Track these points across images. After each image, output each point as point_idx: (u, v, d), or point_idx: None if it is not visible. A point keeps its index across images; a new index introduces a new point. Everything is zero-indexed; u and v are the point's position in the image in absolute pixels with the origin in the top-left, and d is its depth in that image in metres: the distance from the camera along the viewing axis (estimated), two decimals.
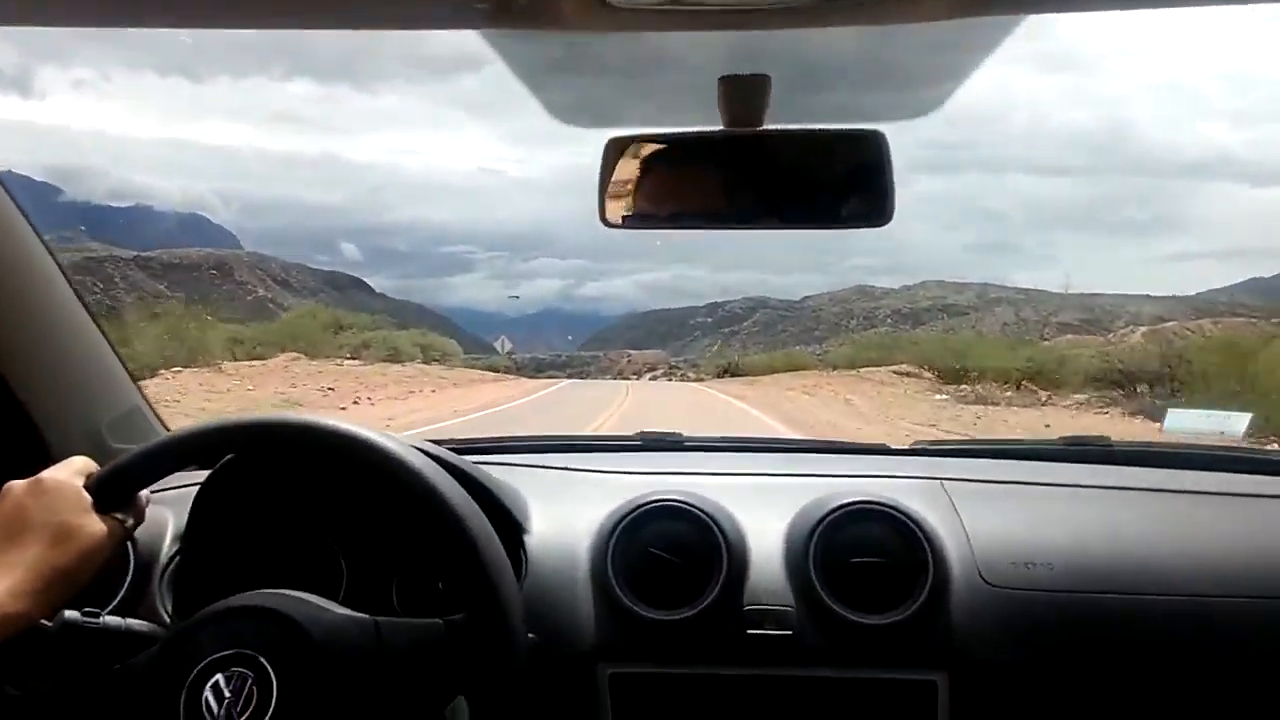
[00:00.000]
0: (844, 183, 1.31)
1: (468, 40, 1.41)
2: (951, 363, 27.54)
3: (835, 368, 35.36)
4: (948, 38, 1.25)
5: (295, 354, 27.33)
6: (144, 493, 1.17)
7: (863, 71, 1.37)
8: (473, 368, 37.47)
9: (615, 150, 1.30)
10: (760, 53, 1.28)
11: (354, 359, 30.15)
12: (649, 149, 1.32)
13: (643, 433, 1.87)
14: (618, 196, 1.33)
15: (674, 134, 1.32)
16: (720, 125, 1.29)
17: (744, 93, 1.28)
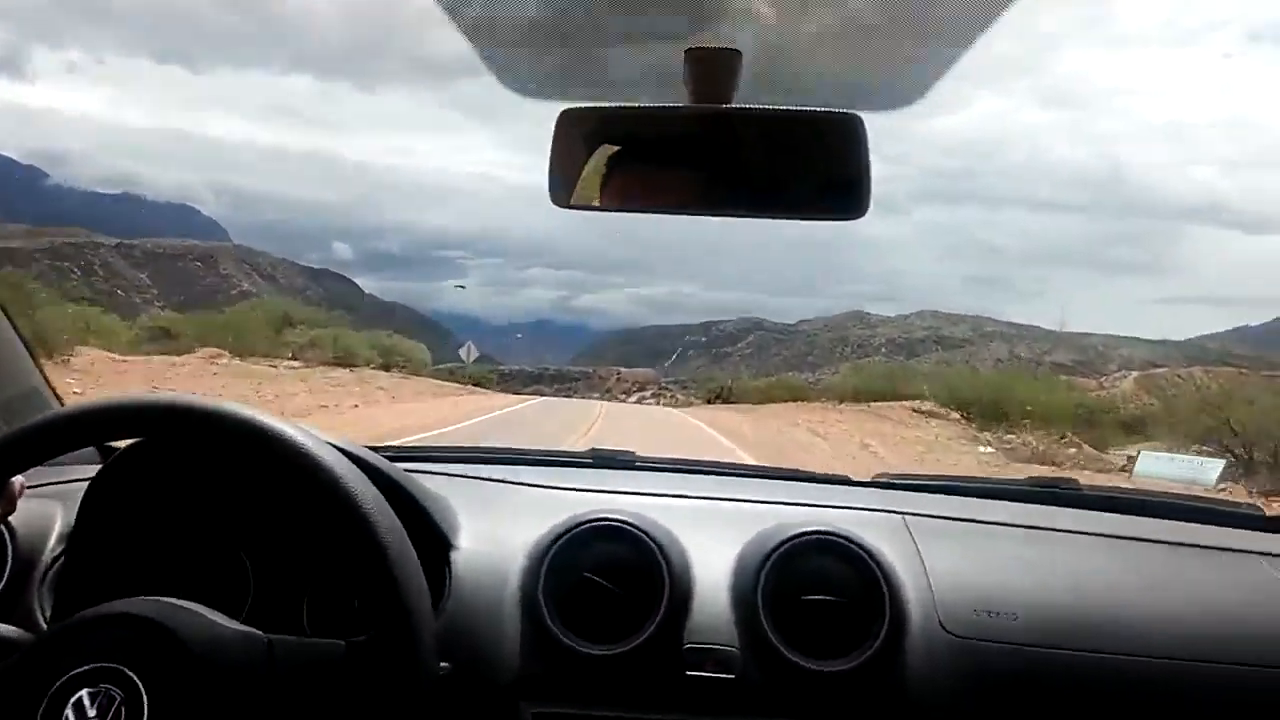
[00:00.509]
0: (817, 169, 1.21)
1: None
2: (984, 402, 22.76)
3: (841, 399, 31.61)
4: (930, 24, 1.18)
5: (219, 350, 25.06)
6: (17, 479, 1.04)
7: (840, 52, 1.28)
8: (444, 378, 35.51)
9: (569, 124, 1.20)
10: (731, 26, 1.20)
11: (295, 360, 27.47)
12: (607, 123, 1.23)
13: (594, 450, 1.76)
14: (571, 174, 1.24)
15: (634, 107, 1.23)
16: (685, 101, 1.20)
17: (712, 67, 1.19)
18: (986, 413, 21.73)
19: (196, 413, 0.99)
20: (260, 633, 0.96)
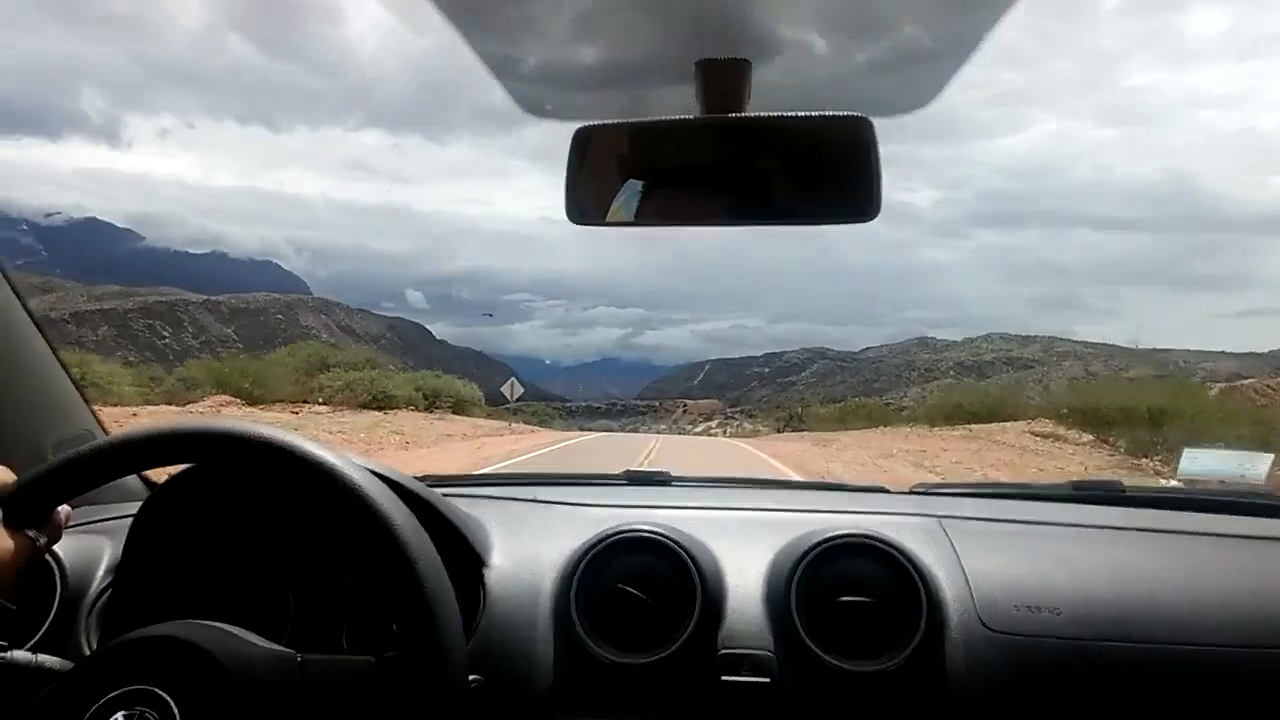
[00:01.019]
0: (829, 173, 1.20)
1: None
2: (1127, 418, 17.23)
3: (932, 423, 26.97)
4: (937, 27, 1.17)
5: (230, 398, 23.69)
6: (63, 508, 1.07)
7: (848, 58, 1.27)
8: (500, 417, 33.72)
9: (584, 142, 1.21)
10: (741, 36, 1.20)
11: (325, 405, 26.11)
12: (621, 140, 1.23)
13: (629, 471, 1.74)
14: (588, 192, 1.24)
15: (648, 122, 1.23)
16: (698, 112, 1.19)
17: (723, 78, 1.19)
18: (1133, 431, 16.41)
19: (234, 437, 1.00)
20: (292, 652, 0.96)
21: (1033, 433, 20.24)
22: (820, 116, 1.18)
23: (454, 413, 31.65)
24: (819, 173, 1.21)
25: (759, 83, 1.19)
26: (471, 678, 1.05)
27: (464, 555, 1.26)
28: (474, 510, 1.36)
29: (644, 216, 1.25)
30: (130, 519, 1.25)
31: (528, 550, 1.32)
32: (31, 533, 1.03)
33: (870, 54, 1.27)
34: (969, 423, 24.56)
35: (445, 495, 1.32)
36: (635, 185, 1.25)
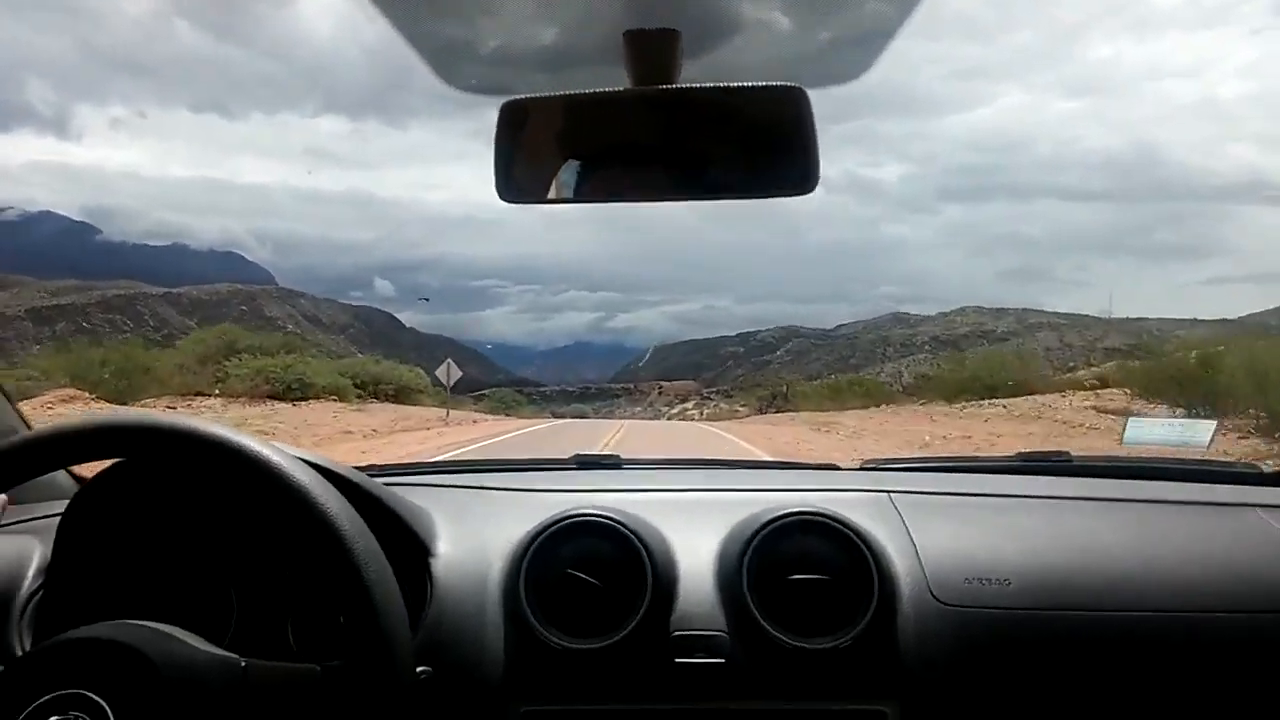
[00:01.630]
0: (764, 146, 1.19)
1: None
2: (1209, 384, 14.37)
3: (948, 398, 23.49)
4: None
5: (76, 391, 19.81)
6: (1, 496, 1.06)
7: (781, 28, 1.26)
8: (456, 406, 31.31)
9: (511, 116, 1.19)
10: (669, 6, 1.18)
11: (218, 396, 22.94)
12: (550, 114, 1.21)
13: (578, 455, 1.75)
14: (518, 169, 1.22)
15: (576, 95, 1.21)
16: (627, 85, 1.17)
17: (651, 48, 1.17)
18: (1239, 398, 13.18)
19: (163, 431, 0.97)
20: (236, 657, 0.94)
21: (1099, 409, 16.73)
22: (753, 87, 1.17)
23: (396, 401, 29.45)
24: (754, 145, 1.19)
25: (690, 54, 1.18)
26: (420, 669, 1.04)
27: (408, 545, 1.25)
28: (418, 499, 1.35)
29: (576, 193, 1.23)
30: (58, 517, 1.23)
31: (474, 538, 1.31)
32: None
33: (803, 23, 1.25)
34: (986, 396, 21.86)
35: (388, 484, 1.31)
36: (565, 161, 1.23)
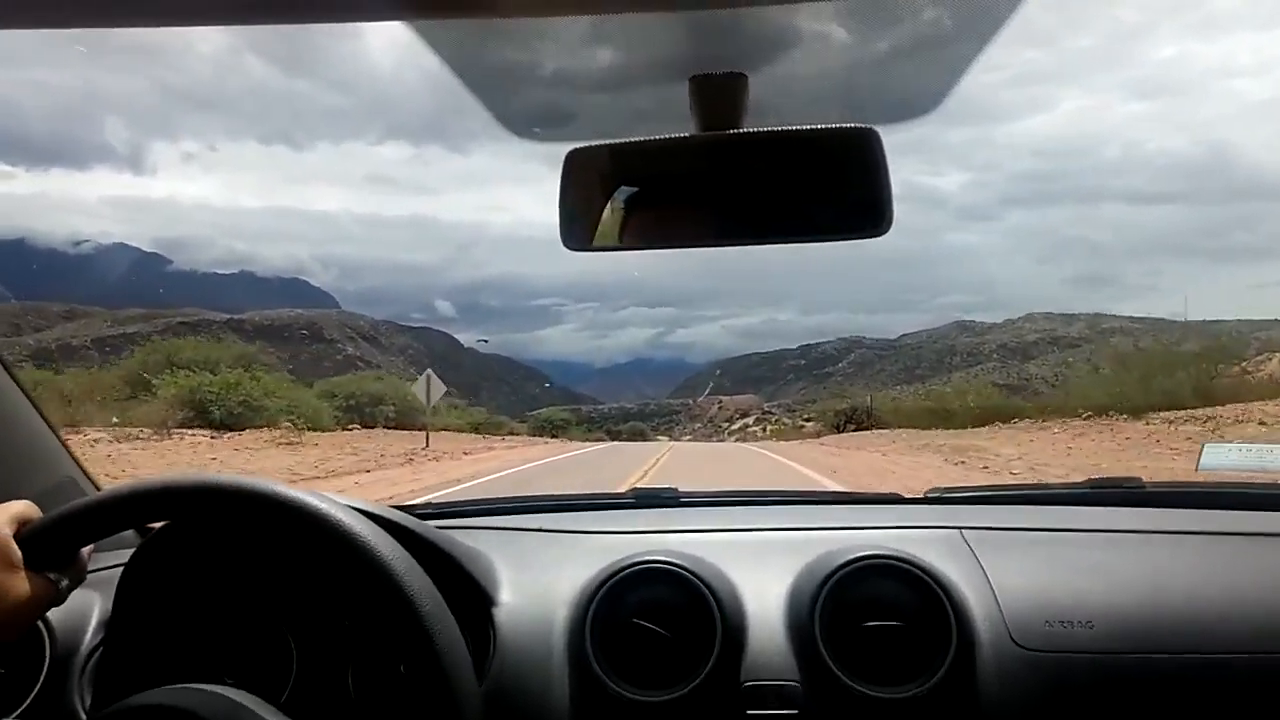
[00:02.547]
0: (835, 188, 1.18)
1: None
2: None
3: (1134, 412, 18.09)
4: (941, 27, 1.14)
5: None
6: (86, 549, 1.06)
7: (849, 68, 1.24)
8: (489, 432, 29.01)
9: (576, 164, 1.20)
10: (735, 49, 1.17)
11: (142, 425, 18.70)
12: (615, 161, 1.22)
13: (636, 489, 1.73)
14: (583, 216, 1.23)
15: (642, 141, 1.21)
16: (694, 130, 1.17)
17: (718, 93, 1.17)
18: None
19: (215, 490, 1.00)
20: None
21: None
22: (822, 129, 1.16)
23: (399, 426, 25.52)
24: (823, 187, 1.18)
25: (756, 96, 1.17)
26: None
27: (470, 594, 1.25)
28: (475, 543, 1.35)
29: (643, 239, 1.24)
30: (119, 569, 1.24)
31: (537, 584, 1.31)
32: (54, 575, 1.01)
33: (873, 63, 1.24)
34: (1194, 406, 16.77)
35: (443, 528, 1.31)
36: (633, 206, 1.23)
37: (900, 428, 27.47)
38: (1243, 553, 1.36)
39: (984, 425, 22.88)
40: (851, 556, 1.24)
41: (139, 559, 1.23)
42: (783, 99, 1.25)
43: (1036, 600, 1.26)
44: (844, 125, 1.14)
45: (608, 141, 1.20)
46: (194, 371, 22.83)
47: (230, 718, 0.91)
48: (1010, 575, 1.29)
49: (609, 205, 1.22)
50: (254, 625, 1.26)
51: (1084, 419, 19.56)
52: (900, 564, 1.23)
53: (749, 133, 1.16)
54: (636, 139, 1.20)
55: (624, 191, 1.23)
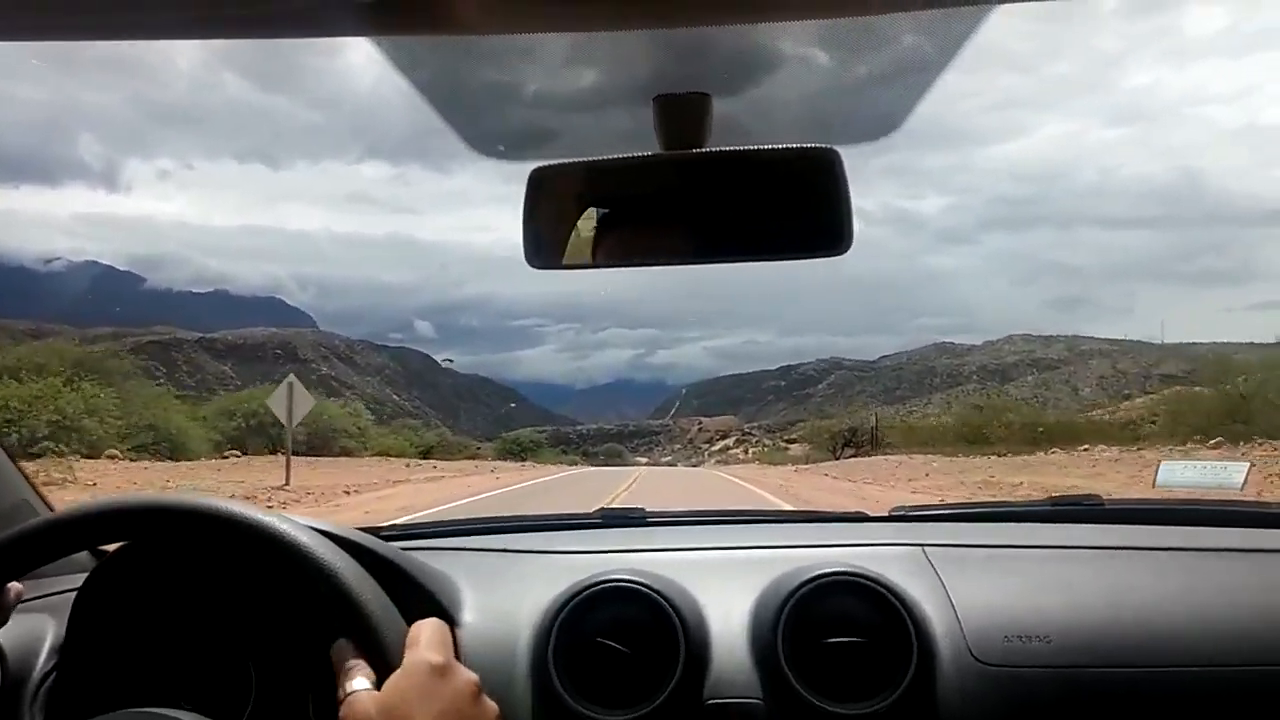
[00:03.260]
0: (796, 207, 1.19)
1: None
2: None
3: (1204, 436, 16.22)
4: (903, 50, 1.16)
5: None
6: (14, 585, 1.04)
7: (812, 89, 1.27)
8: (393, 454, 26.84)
9: (540, 183, 1.21)
10: (699, 70, 1.19)
11: None
12: (579, 180, 1.23)
13: (602, 509, 1.75)
14: (546, 235, 1.24)
15: (605, 160, 1.22)
16: (657, 149, 1.19)
17: (682, 112, 1.18)
18: None
19: (168, 510, 0.99)
20: None
21: None
22: (784, 149, 1.18)
23: (309, 451, 21.92)
24: (786, 207, 1.20)
25: (720, 116, 1.19)
26: None
27: (432, 615, 1.25)
28: (439, 564, 1.34)
29: (606, 258, 1.25)
30: (73, 593, 1.22)
31: (500, 605, 1.31)
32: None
33: (835, 84, 1.26)
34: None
35: (406, 549, 1.30)
36: (596, 225, 1.25)
37: (912, 451, 25.03)
38: (1197, 568, 1.39)
39: (1030, 450, 20.11)
40: (814, 574, 1.25)
41: (93, 582, 1.21)
42: (747, 119, 1.27)
43: (996, 616, 1.27)
44: (805, 145, 1.16)
45: (572, 160, 1.22)
46: (96, 385, 19.45)
47: None
48: (971, 591, 1.31)
49: (573, 224, 1.23)
50: (212, 651, 1.23)
51: (1212, 446, 17.47)
52: (862, 581, 1.24)
53: (712, 152, 1.18)
54: (600, 158, 1.22)
55: (588, 210, 1.24)
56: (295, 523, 1.02)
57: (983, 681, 1.21)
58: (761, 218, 1.21)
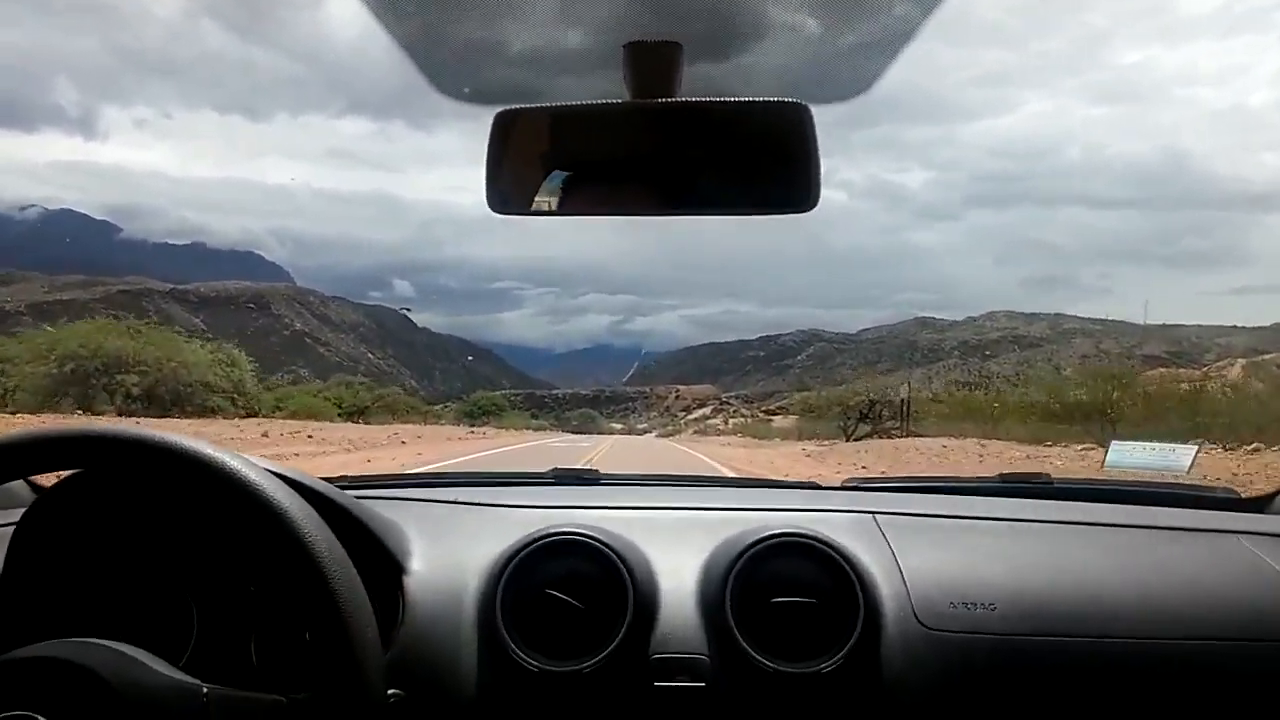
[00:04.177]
0: (764, 161, 1.19)
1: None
2: None
3: None
4: (878, 10, 1.17)
5: None
6: None
7: (784, 43, 1.27)
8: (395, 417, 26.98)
9: (506, 127, 1.19)
10: (672, 18, 1.19)
11: None
12: (546, 125, 1.22)
13: (556, 469, 1.77)
14: (510, 179, 1.23)
15: (573, 106, 1.21)
16: (626, 97, 1.18)
17: (652, 61, 1.17)
18: None
19: (124, 441, 0.97)
20: (197, 683, 0.91)
21: None
22: (753, 102, 1.17)
23: (190, 414, 19.15)
24: (753, 161, 1.20)
25: (691, 67, 1.19)
26: (391, 692, 1.03)
27: (381, 561, 1.24)
28: (392, 514, 1.35)
29: (570, 205, 1.24)
30: (12, 527, 1.21)
31: (450, 555, 1.31)
32: None
33: (808, 39, 1.26)
34: None
35: (361, 499, 1.30)
36: (560, 173, 1.24)
37: (950, 435, 21.02)
38: (1140, 545, 1.43)
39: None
40: (765, 534, 1.27)
41: (33, 514, 1.20)
42: (718, 71, 1.27)
43: (943, 582, 1.30)
44: (775, 99, 1.16)
45: (538, 105, 1.21)
46: None
47: (120, 671, 0.88)
48: (919, 558, 1.33)
49: (536, 169, 1.23)
50: (155, 587, 1.23)
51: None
52: (812, 542, 1.26)
53: (680, 102, 1.17)
54: (567, 104, 1.21)
55: (551, 156, 1.23)
56: (248, 461, 1.00)
57: (927, 645, 1.23)
58: (728, 171, 1.21)
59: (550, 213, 1.24)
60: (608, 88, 1.21)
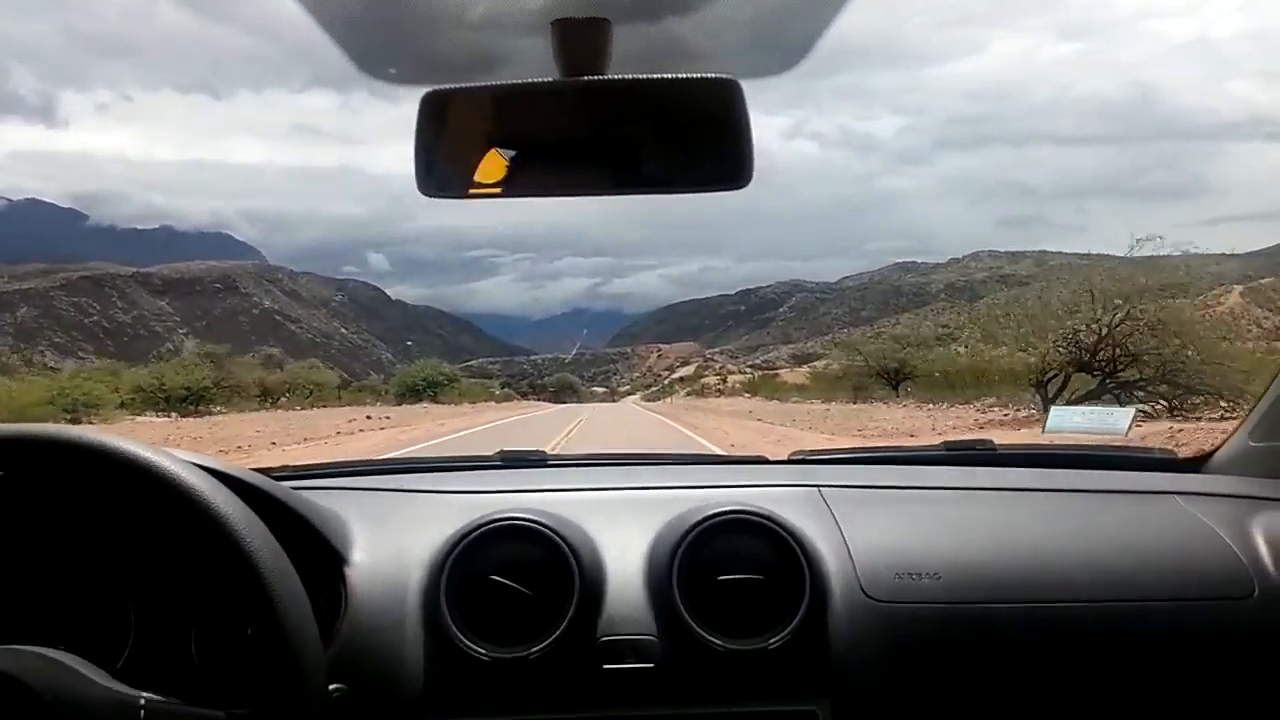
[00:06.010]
0: (696, 139, 1.20)
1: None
2: None
3: None
4: None
5: None
6: None
7: (714, 18, 1.26)
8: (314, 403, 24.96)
9: (433, 107, 1.18)
10: None
11: None
12: (474, 105, 1.21)
13: (502, 451, 1.76)
14: (440, 161, 1.23)
15: (501, 86, 1.21)
16: (555, 76, 1.18)
17: (581, 38, 1.17)
18: None
19: (43, 442, 0.96)
20: (135, 693, 0.90)
21: None
22: (683, 79, 1.17)
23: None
24: (685, 138, 1.20)
25: (620, 44, 1.18)
26: (334, 687, 1.04)
27: (320, 554, 1.24)
28: (331, 503, 1.34)
29: (500, 186, 1.23)
30: None
31: (393, 544, 1.31)
32: None
33: (737, 13, 1.25)
34: None
35: (298, 489, 1.31)
36: (490, 153, 1.23)
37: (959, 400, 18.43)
38: (1081, 509, 1.46)
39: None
40: (710, 513, 1.28)
41: None
42: (648, 48, 1.26)
43: (888, 554, 1.32)
44: (705, 75, 1.16)
45: (466, 85, 1.20)
46: None
47: (53, 681, 0.87)
48: (864, 530, 1.35)
49: (466, 150, 1.22)
50: (89, 589, 1.22)
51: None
52: (756, 519, 1.27)
53: (610, 80, 1.17)
54: (495, 83, 1.21)
55: (480, 137, 1.23)
56: (178, 459, 0.99)
57: (873, 616, 1.26)
58: (659, 148, 1.21)
59: (482, 195, 1.24)
60: (536, 67, 1.20)
